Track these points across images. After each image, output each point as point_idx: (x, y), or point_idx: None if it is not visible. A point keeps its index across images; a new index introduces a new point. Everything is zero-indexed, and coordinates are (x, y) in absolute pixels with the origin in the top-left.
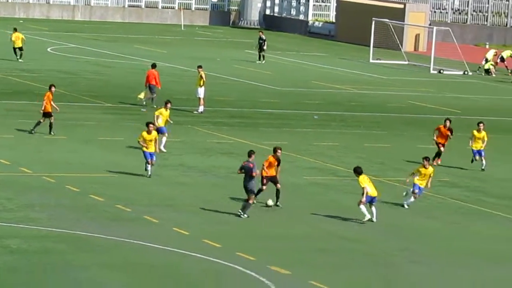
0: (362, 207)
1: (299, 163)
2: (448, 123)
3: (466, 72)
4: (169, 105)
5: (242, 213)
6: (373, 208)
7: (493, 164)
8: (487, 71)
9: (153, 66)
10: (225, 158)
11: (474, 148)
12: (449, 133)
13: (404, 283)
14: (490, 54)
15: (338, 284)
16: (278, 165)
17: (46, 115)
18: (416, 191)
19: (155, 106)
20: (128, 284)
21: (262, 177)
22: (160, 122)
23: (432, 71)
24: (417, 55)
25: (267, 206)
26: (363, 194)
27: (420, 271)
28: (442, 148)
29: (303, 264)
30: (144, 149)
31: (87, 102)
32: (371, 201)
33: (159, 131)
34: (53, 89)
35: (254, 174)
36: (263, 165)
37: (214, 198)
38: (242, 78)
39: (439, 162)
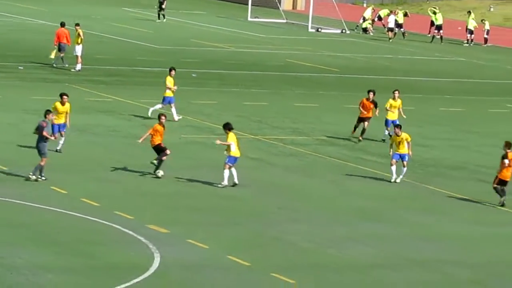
0: (226, 171)
1: (178, 122)
2: (371, 95)
3: (344, 31)
4: (173, 72)
5: (32, 175)
6: (233, 170)
7: (373, 123)
8: (365, 30)
9: (62, 25)
10: (103, 116)
11: (389, 118)
12: (373, 106)
13: (283, 240)
14: (367, 13)
15: (215, 242)
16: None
17: None
18: (394, 160)
19: (66, 65)
20: (5, 243)
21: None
22: (169, 92)
23: (310, 30)
24: (295, 14)
25: (156, 177)
26: (227, 150)
27: (299, 229)
28: (366, 123)
29: (181, 223)
30: (55, 121)
31: None
32: (234, 161)
33: (169, 101)
34: None
35: (44, 133)
36: (150, 134)
37: (93, 156)
38: (120, 36)
39: (360, 139)
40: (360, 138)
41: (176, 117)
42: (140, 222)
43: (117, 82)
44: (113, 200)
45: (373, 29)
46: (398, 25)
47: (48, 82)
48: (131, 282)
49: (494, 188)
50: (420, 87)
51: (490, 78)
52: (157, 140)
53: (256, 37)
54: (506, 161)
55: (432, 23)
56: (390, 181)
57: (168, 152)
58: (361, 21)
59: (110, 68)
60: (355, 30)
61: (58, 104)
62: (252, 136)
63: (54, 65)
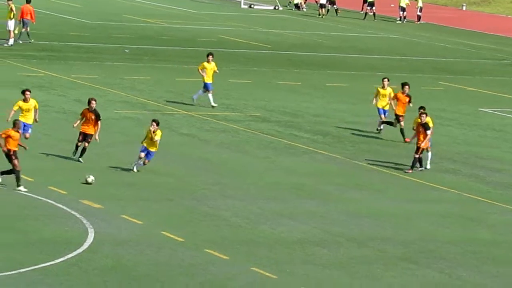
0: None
1: (110, 97)
2: (406, 89)
3: (276, 7)
4: (210, 57)
5: None
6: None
7: (305, 100)
8: (297, 6)
9: (28, 1)
10: (35, 92)
11: (379, 107)
12: (408, 100)
13: (215, 216)
14: None
15: (149, 218)
16: (97, 120)
17: None
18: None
19: (31, 41)
20: None
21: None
22: (206, 77)
23: (243, 6)
24: None
25: (87, 183)
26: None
27: (231, 205)
28: (402, 123)
29: (114, 198)
30: (22, 119)
31: None
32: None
33: (205, 87)
34: None
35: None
36: (79, 121)
37: None
38: (51, 11)
39: (407, 141)
40: (407, 139)
41: (213, 103)
42: (74, 197)
43: (49, 57)
44: (47, 175)
45: (305, 5)
46: (331, 2)
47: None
48: (65, 257)
49: (419, 158)
50: (352, 64)
51: (422, 56)
52: (84, 128)
53: (189, 13)
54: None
55: (364, 0)
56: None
57: (86, 145)
58: None
59: (42, 43)
60: (288, 6)
61: (20, 102)
62: (185, 112)
63: (20, 41)
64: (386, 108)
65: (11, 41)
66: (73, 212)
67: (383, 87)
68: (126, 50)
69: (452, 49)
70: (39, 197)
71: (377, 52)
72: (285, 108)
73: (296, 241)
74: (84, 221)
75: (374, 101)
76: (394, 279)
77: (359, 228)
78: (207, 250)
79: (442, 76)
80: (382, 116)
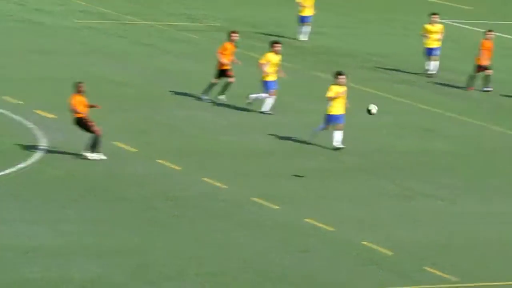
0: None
1: (71, 6)
2: (491, 35)
3: None
4: None
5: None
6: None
7: (271, 11)
8: None
9: None
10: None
11: (428, 46)
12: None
13: (171, 126)
14: None
15: (102, 127)
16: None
17: None
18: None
19: None
20: None
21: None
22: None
23: None
24: None
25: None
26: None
27: (188, 115)
28: (489, 71)
29: (68, 108)
30: (267, 78)
31: None
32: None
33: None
34: None
35: None
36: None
37: None
38: None
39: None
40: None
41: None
42: (28, 107)
43: None
44: (2, 84)
45: None
46: None
47: None
48: (16, 168)
49: None
50: None
51: None
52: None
53: None
54: None
55: None
56: None
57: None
58: None
59: None
60: None
61: (270, 56)
62: (145, 22)
63: None
64: (437, 46)
65: None
66: (26, 122)
67: (431, 23)
68: None
69: None
70: None
71: None
72: (247, 18)
73: (250, 152)
74: (37, 131)
75: (424, 40)
76: (349, 190)
77: (316, 139)
78: (159, 161)
79: None
80: (431, 56)
